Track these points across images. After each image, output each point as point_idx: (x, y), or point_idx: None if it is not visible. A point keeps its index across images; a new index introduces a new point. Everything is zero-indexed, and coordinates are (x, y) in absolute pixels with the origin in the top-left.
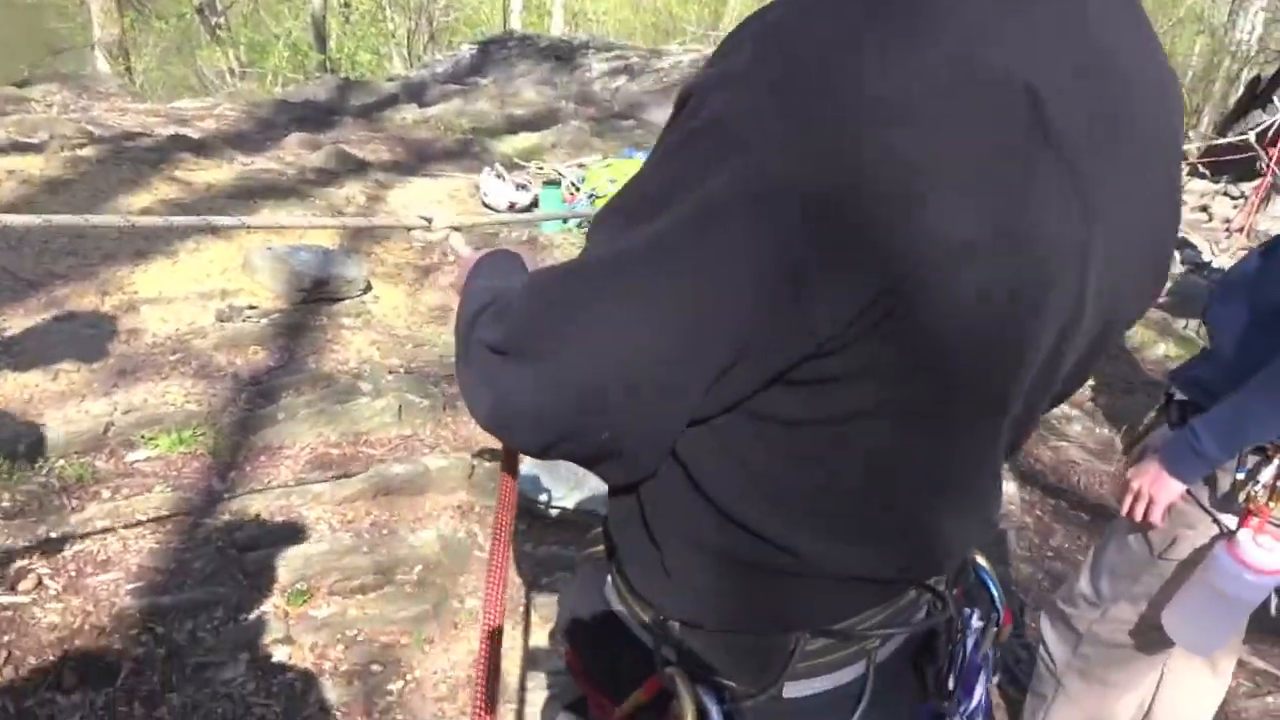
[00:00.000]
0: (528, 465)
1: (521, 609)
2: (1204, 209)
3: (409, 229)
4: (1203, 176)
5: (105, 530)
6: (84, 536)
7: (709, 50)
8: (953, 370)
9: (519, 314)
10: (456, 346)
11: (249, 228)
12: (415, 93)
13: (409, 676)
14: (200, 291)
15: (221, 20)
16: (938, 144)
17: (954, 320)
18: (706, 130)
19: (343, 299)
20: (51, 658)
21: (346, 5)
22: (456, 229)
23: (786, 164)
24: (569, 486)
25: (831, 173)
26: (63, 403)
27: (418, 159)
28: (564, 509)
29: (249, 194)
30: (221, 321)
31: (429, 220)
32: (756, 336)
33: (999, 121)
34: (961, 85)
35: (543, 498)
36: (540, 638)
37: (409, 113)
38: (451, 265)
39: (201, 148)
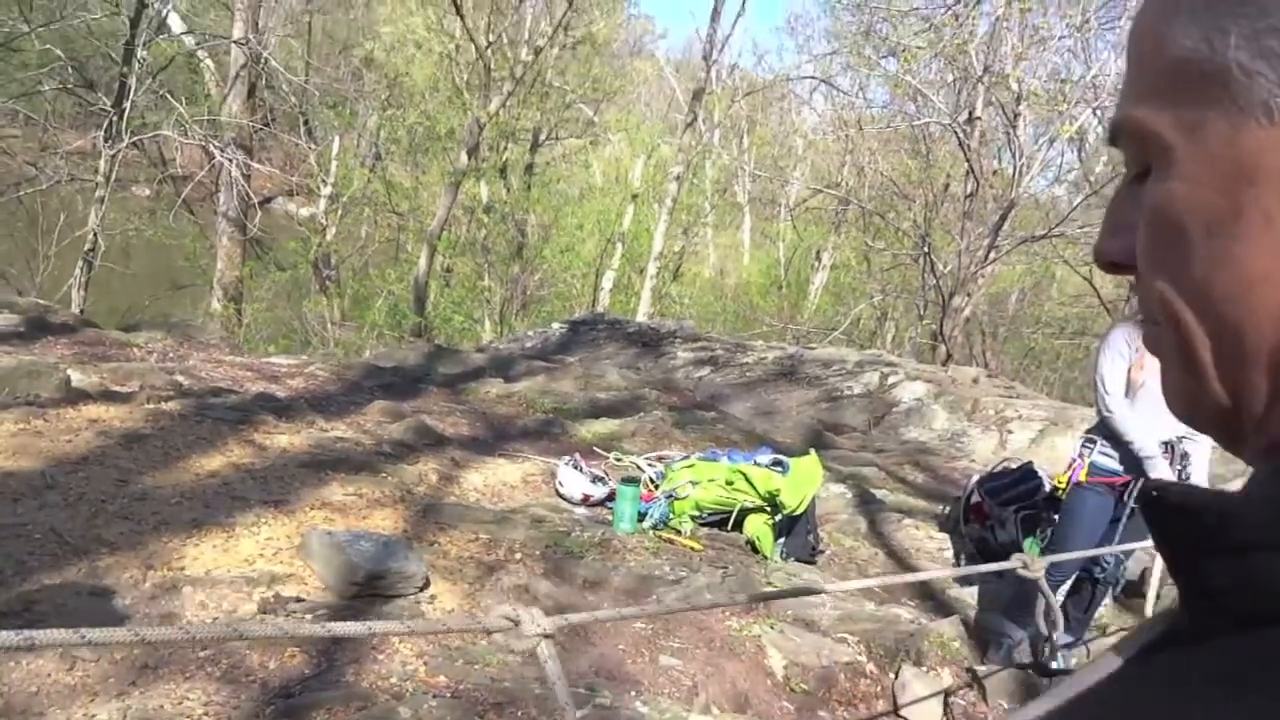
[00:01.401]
0: None
1: None
2: None
3: (489, 632)
4: None
5: None
6: None
7: (795, 349)
8: None
9: None
10: None
11: (321, 635)
12: (502, 366)
13: None
14: (248, 575)
15: (333, 274)
16: None
17: None
18: None
19: (397, 597)
20: None
21: (448, 271)
22: (548, 636)
23: None
24: None
25: None
26: (70, 701)
27: (496, 436)
28: None
29: (322, 465)
30: (264, 613)
31: (515, 621)
32: None
33: None
34: None
35: None
36: None
37: (493, 387)
38: (519, 564)
39: (284, 410)
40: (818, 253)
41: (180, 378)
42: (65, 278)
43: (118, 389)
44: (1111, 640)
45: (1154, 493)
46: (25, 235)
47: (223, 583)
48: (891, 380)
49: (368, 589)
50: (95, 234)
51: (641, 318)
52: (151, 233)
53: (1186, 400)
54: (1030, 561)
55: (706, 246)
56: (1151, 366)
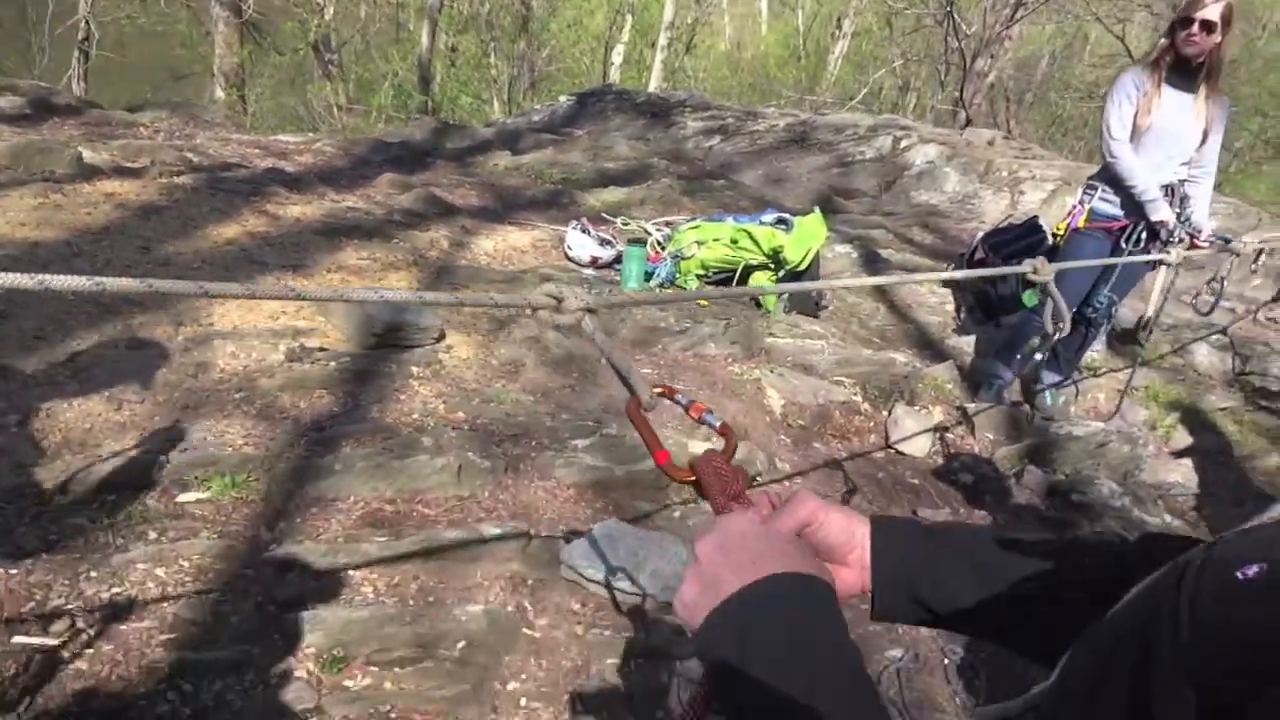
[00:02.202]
0: (583, 537)
1: (566, 696)
2: None
3: (534, 309)
4: None
5: (146, 574)
6: (124, 579)
7: (807, 115)
8: None
9: None
10: None
11: (344, 299)
12: (510, 140)
13: None
14: (274, 329)
15: (335, 57)
16: None
17: None
18: None
19: (414, 347)
20: (75, 708)
21: (453, 50)
22: (591, 310)
23: None
24: (632, 565)
25: None
26: (122, 434)
27: (505, 206)
28: (620, 590)
29: (335, 232)
30: (291, 361)
31: (558, 299)
32: None
33: None
34: None
35: (597, 574)
36: None
37: (502, 159)
38: (529, 318)
39: (295, 183)
40: (838, 20)
41: (190, 154)
42: (63, 70)
43: (129, 165)
44: (1102, 381)
45: None
46: (16, 27)
47: (250, 335)
48: (904, 144)
49: (386, 339)
50: (87, 21)
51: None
52: (144, 20)
53: None
54: (1040, 266)
55: (722, 17)
56: (1159, 111)
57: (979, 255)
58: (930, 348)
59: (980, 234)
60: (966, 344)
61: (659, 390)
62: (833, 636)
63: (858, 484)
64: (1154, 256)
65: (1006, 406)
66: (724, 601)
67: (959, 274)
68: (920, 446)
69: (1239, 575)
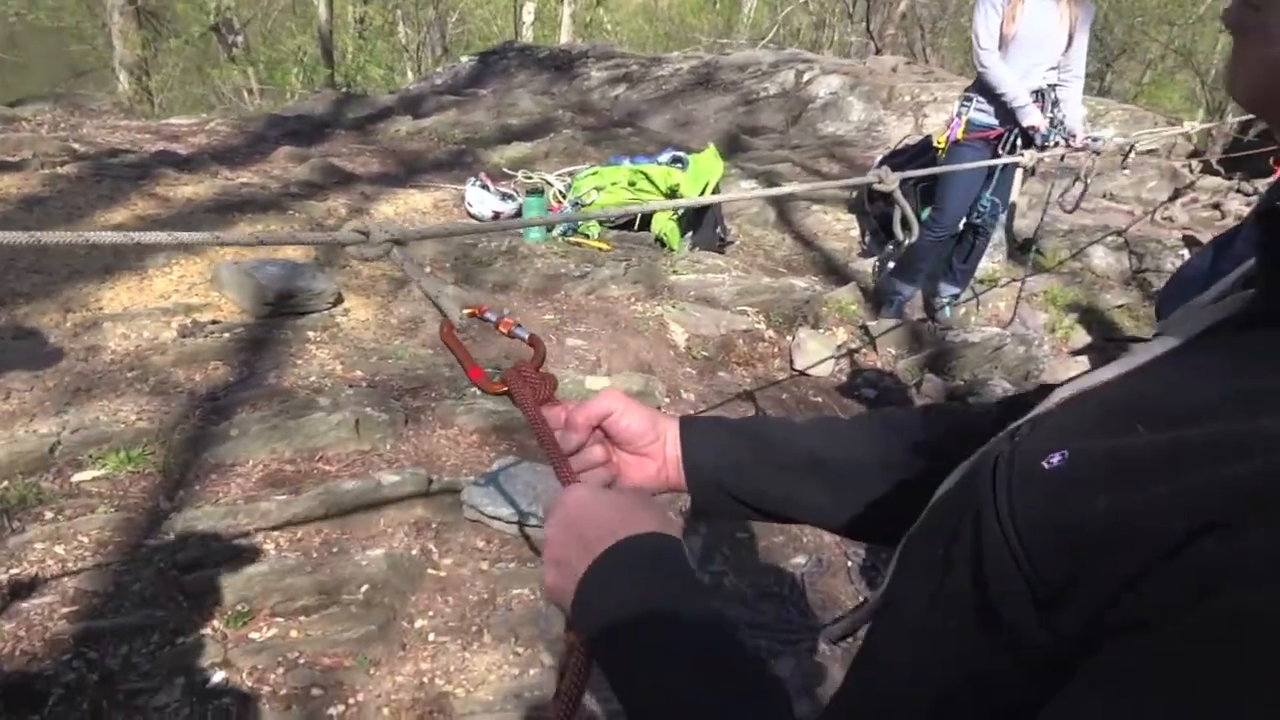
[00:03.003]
0: (482, 476)
1: (474, 628)
2: (1216, 206)
3: (342, 245)
4: (1216, 173)
5: (44, 553)
6: (21, 559)
7: (711, 56)
8: None
9: None
10: None
11: (213, 244)
12: (411, 105)
13: (350, 701)
14: (165, 308)
15: (239, 39)
16: None
17: None
18: None
19: (310, 312)
20: None
21: (361, 21)
22: (399, 242)
23: None
24: (527, 501)
25: None
26: (11, 422)
27: (407, 171)
28: (520, 524)
29: (228, 208)
30: (183, 337)
31: (365, 234)
32: None
33: None
34: None
35: (499, 512)
36: (494, 658)
37: (403, 125)
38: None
39: (186, 163)
40: None
41: (74, 144)
42: None
43: (8, 159)
44: (1003, 290)
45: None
46: None
47: (141, 316)
48: (807, 77)
49: (280, 308)
50: None
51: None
52: (34, 16)
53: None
54: (885, 176)
55: None
56: (1024, 18)
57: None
58: (836, 273)
59: (878, 157)
60: (871, 266)
61: (468, 311)
62: (682, 589)
63: (761, 407)
64: (1009, 159)
65: (908, 322)
66: (579, 582)
67: (800, 187)
68: (825, 368)
69: (1044, 465)
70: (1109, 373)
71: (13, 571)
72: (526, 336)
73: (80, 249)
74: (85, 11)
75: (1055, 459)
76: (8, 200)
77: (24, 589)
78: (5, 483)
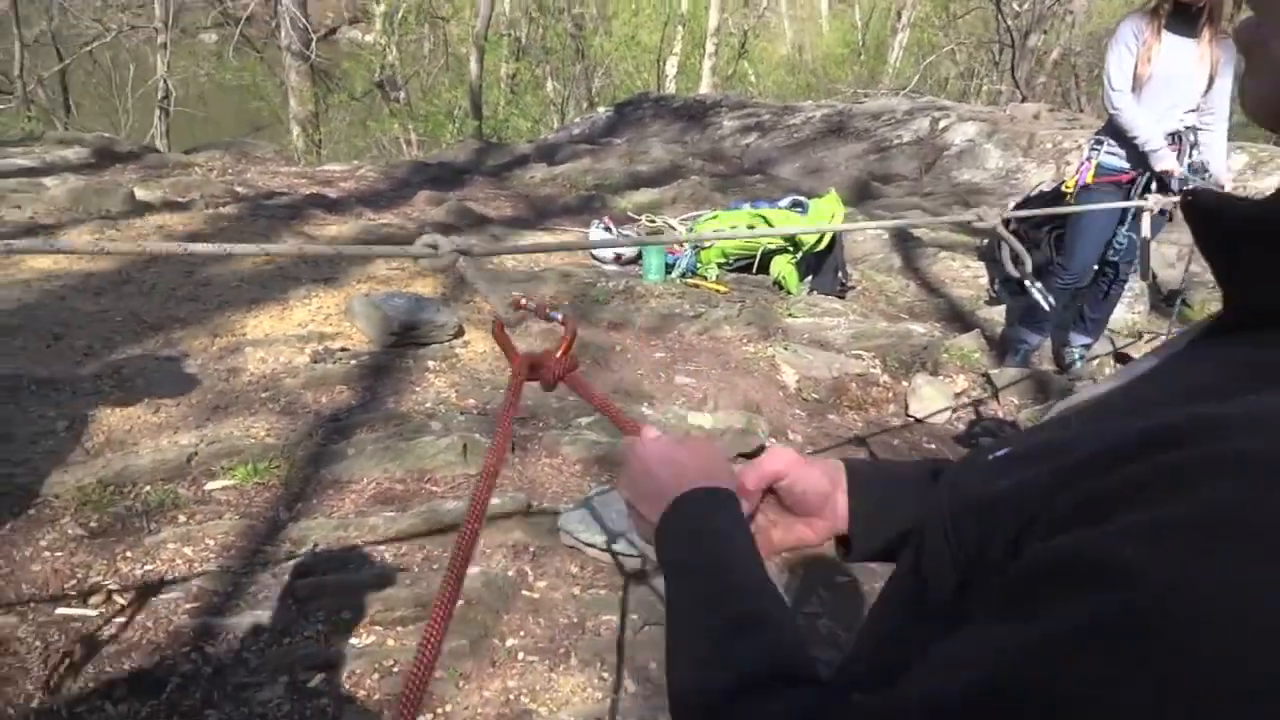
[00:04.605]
0: (579, 503)
1: (562, 650)
2: None
3: (414, 257)
4: None
5: (175, 553)
6: (155, 558)
7: (844, 105)
8: None
9: None
10: (690, 665)
11: (269, 254)
12: (547, 153)
13: (439, 710)
14: (301, 335)
15: (401, 95)
16: None
17: None
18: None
19: (432, 343)
20: (109, 669)
21: (512, 78)
22: (465, 253)
23: None
24: (624, 528)
25: None
26: (157, 434)
27: (537, 214)
28: (614, 551)
29: (367, 245)
30: (314, 362)
31: (435, 246)
32: None
33: None
34: None
35: (593, 539)
36: (578, 680)
37: (538, 172)
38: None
39: (334, 205)
40: (898, 11)
41: (238, 188)
42: (146, 129)
43: (178, 199)
44: (1143, 344)
45: (1189, 198)
46: (104, 91)
47: (279, 342)
48: (943, 125)
49: (404, 338)
50: (165, 80)
51: None
52: (220, 75)
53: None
54: (984, 213)
55: (781, 21)
56: (1160, 58)
57: (1011, 226)
58: (959, 320)
59: (1010, 204)
60: (998, 314)
61: (513, 303)
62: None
63: (873, 452)
64: (1129, 204)
65: (1035, 371)
66: (663, 518)
67: (896, 224)
68: (942, 416)
69: (989, 458)
70: (1099, 389)
71: (146, 568)
72: (559, 318)
73: (231, 281)
74: (265, 71)
75: (1000, 452)
76: (172, 235)
77: (154, 585)
78: (148, 487)
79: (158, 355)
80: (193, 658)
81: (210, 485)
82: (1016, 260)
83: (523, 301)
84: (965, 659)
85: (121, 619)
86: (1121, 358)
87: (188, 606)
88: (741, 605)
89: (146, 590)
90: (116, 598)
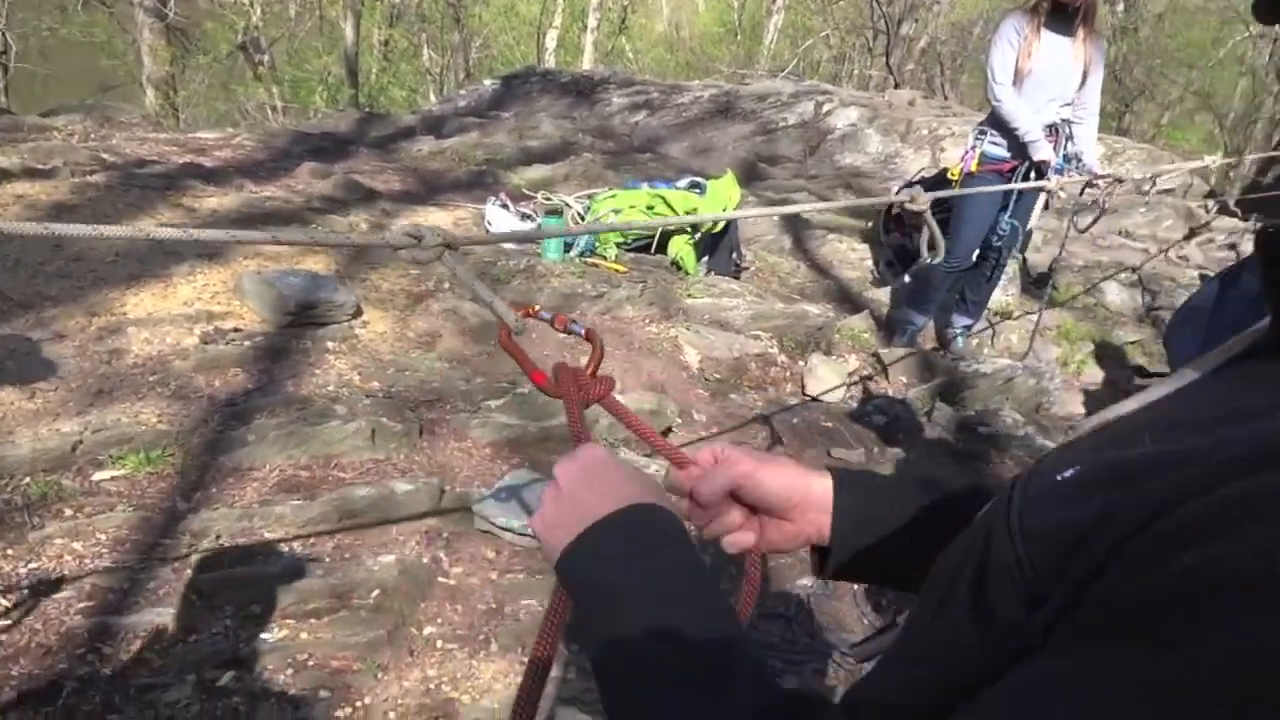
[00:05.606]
0: (494, 487)
1: (482, 637)
2: (1232, 246)
3: (395, 248)
4: (1232, 214)
5: (63, 549)
6: (40, 555)
7: (731, 86)
8: None
9: None
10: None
11: (238, 241)
12: (434, 126)
13: (358, 704)
14: (188, 315)
15: (265, 58)
16: None
17: None
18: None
19: (330, 323)
20: None
21: (386, 44)
22: (450, 247)
23: None
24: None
25: None
26: (35, 421)
27: (428, 189)
28: (530, 535)
29: (252, 221)
30: (205, 344)
31: (418, 238)
32: None
33: None
34: None
35: (510, 523)
36: (500, 666)
37: (425, 144)
38: (447, 292)
39: (212, 175)
40: None
41: (104, 154)
42: None
43: (40, 166)
44: (1016, 323)
45: (1270, 229)
46: None
47: (164, 322)
48: (826, 109)
49: (301, 318)
50: (3, 34)
51: None
52: (66, 30)
53: None
54: (917, 195)
55: None
56: (1039, 54)
57: (895, 210)
58: (849, 301)
59: (894, 188)
60: (884, 295)
61: (522, 312)
62: (690, 566)
63: (776, 431)
64: (1035, 184)
65: (920, 351)
66: (591, 526)
67: (836, 205)
68: (836, 394)
69: (1058, 478)
70: (1131, 404)
71: (31, 566)
72: (583, 331)
73: (106, 256)
74: (116, 28)
75: (1069, 472)
76: (37, 207)
77: (42, 584)
78: (28, 479)
79: (28, 336)
80: (89, 660)
81: (98, 475)
82: (932, 244)
83: (534, 309)
84: (1088, 688)
85: (6, 621)
86: (1141, 371)
87: (81, 606)
88: (719, 628)
89: (33, 590)
90: (0, 599)
